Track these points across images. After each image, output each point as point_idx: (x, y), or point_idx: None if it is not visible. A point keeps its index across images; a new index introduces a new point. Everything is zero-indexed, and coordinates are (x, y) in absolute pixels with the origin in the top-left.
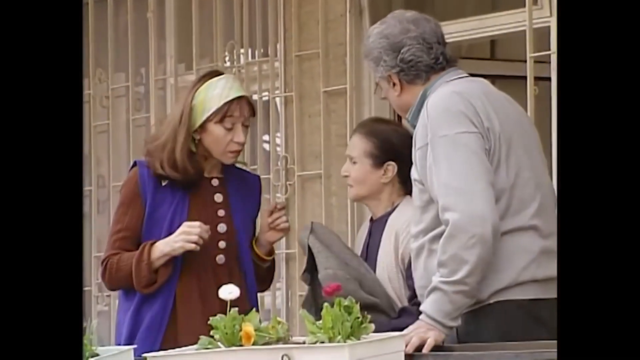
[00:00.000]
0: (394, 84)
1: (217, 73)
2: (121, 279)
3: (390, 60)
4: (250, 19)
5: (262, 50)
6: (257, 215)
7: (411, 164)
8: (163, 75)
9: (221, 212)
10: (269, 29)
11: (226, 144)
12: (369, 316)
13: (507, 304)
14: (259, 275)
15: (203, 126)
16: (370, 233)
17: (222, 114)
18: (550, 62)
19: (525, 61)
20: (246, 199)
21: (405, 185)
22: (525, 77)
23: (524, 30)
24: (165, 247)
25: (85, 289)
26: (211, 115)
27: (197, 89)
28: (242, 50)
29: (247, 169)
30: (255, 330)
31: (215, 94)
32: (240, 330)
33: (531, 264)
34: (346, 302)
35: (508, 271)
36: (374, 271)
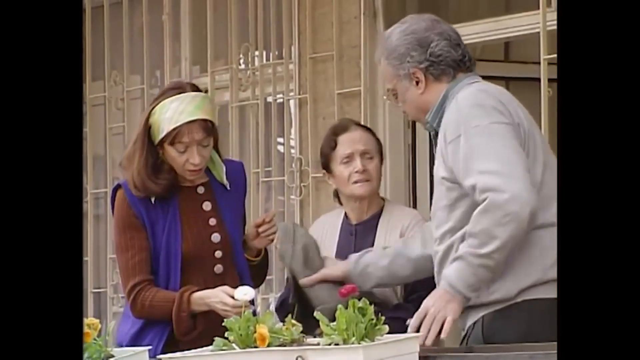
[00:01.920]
0: (418, 82)
1: (178, 89)
2: (153, 315)
3: (419, 55)
4: (265, 21)
5: (276, 53)
6: (244, 206)
7: None
8: (178, 78)
9: (212, 221)
10: (283, 31)
11: (182, 165)
12: (383, 317)
13: (533, 302)
14: (251, 274)
15: (161, 145)
16: (355, 234)
17: (172, 138)
18: None
19: (539, 63)
20: (233, 194)
21: None
22: (539, 79)
23: (538, 32)
24: (205, 301)
25: (101, 290)
26: (163, 137)
27: (154, 107)
28: (256, 53)
29: (230, 158)
30: (270, 331)
31: (166, 117)
32: (255, 331)
33: (556, 263)
34: (360, 304)
35: (535, 269)
36: None
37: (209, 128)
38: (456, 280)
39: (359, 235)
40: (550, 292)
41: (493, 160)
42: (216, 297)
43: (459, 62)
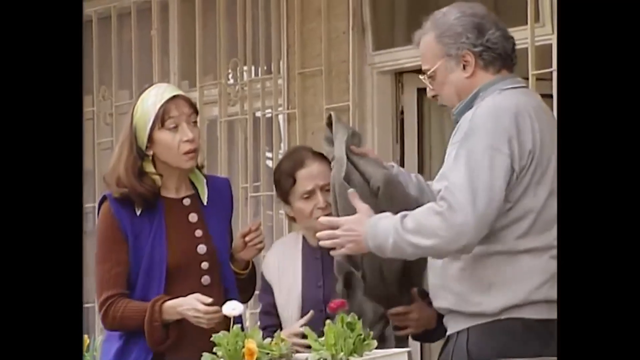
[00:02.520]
0: (465, 66)
1: (152, 85)
2: (125, 327)
3: (475, 38)
4: (254, 37)
5: (265, 68)
6: (231, 221)
7: None
8: None
9: (198, 232)
10: (272, 46)
11: (177, 147)
12: (371, 332)
13: (516, 321)
14: (238, 288)
15: (151, 139)
16: (322, 257)
17: (161, 117)
18: (552, 80)
19: (527, 78)
20: (219, 209)
21: None
22: None
23: (526, 48)
24: (176, 310)
25: (89, 305)
26: (152, 124)
27: (134, 107)
28: (245, 67)
29: (215, 174)
30: (258, 347)
31: (150, 103)
32: (243, 347)
33: (545, 284)
34: (349, 319)
35: (522, 289)
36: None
37: (193, 105)
38: (373, 234)
39: (325, 257)
40: (535, 313)
41: (466, 180)
42: (188, 304)
43: (508, 56)
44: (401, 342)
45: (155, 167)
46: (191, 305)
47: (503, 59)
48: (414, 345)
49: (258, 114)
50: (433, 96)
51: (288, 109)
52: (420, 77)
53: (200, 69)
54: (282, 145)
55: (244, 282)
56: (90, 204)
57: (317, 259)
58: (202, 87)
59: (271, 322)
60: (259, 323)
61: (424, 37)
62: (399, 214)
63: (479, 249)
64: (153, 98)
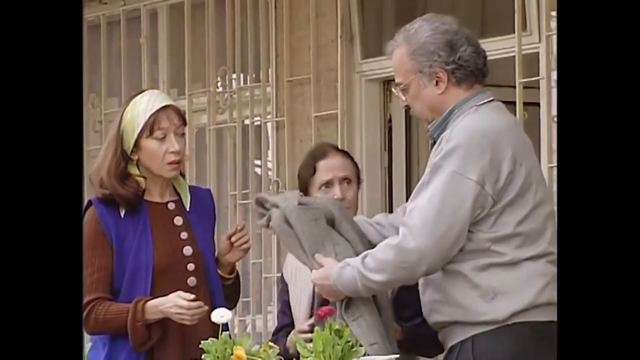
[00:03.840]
0: (438, 82)
1: (142, 91)
2: (108, 329)
3: (447, 56)
4: (242, 45)
5: (254, 76)
6: (215, 229)
7: None
8: None
9: (184, 235)
10: (260, 54)
11: (162, 156)
12: (359, 339)
13: (524, 325)
14: (224, 294)
15: (137, 144)
16: None
17: (150, 126)
18: (539, 88)
19: (515, 87)
20: (203, 216)
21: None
22: (514, 103)
23: (513, 56)
24: (159, 308)
25: None
26: (141, 131)
27: (124, 109)
28: (234, 76)
29: (197, 185)
30: (247, 354)
31: (140, 109)
32: (232, 354)
33: (547, 287)
34: (337, 326)
35: (527, 293)
36: None
37: (182, 116)
38: (345, 283)
39: None
40: (542, 316)
41: (430, 204)
42: (170, 302)
43: (479, 71)
44: None
45: (139, 170)
46: (173, 303)
47: (475, 75)
48: None
49: (247, 121)
50: (406, 106)
51: (277, 116)
52: (393, 89)
53: (189, 77)
54: (270, 153)
55: (229, 288)
56: None
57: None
58: (191, 95)
59: (286, 322)
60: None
61: (396, 50)
62: (360, 256)
63: (482, 261)
64: (144, 104)
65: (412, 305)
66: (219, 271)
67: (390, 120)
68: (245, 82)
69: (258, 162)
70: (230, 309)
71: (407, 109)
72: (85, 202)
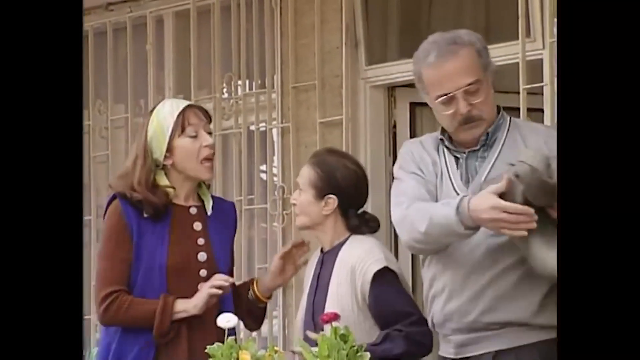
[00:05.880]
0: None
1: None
2: (129, 320)
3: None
4: (248, 51)
5: (259, 82)
6: (234, 242)
7: (354, 199)
8: None
9: (201, 241)
10: (266, 61)
11: (197, 153)
12: (364, 344)
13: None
14: (252, 314)
15: (170, 148)
16: (322, 263)
17: (181, 124)
18: (543, 94)
19: (519, 93)
20: (223, 227)
21: (348, 220)
22: (518, 109)
23: (517, 63)
24: (187, 306)
25: (85, 317)
26: (172, 132)
27: (148, 122)
28: (239, 82)
29: (222, 197)
30: (252, 358)
31: (166, 112)
32: (238, 358)
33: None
34: (342, 331)
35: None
36: (325, 302)
37: (208, 114)
38: None
39: (324, 263)
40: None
41: None
42: (202, 291)
43: None
44: None
45: (168, 178)
46: (207, 286)
47: None
48: None
49: (252, 127)
50: (467, 111)
51: (282, 122)
52: (455, 92)
53: (194, 83)
54: (275, 158)
55: (262, 310)
56: (87, 217)
57: (319, 263)
58: (197, 101)
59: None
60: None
61: (463, 49)
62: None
63: None
64: (168, 108)
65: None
66: (257, 291)
67: (394, 126)
68: (250, 88)
69: (263, 167)
70: (253, 330)
71: (460, 116)
72: (109, 196)
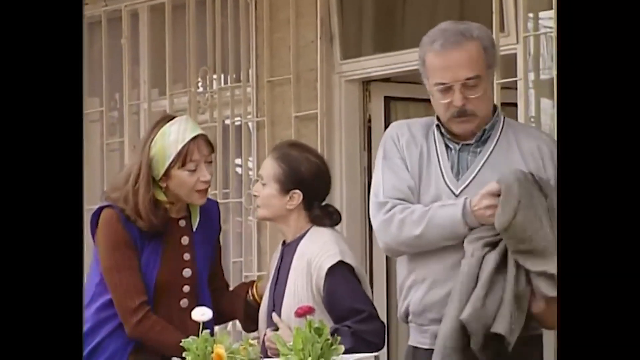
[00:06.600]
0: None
1: (169, 118)
2: (158, 344)
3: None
4: (223, 45)
5: (234, 76)
6: (217, 239)
7: (317, 192)
8: (137, 100)
9: (187, 256)
10: (241, 55)
11: (193, 185)
12: (339, 337)
13: None
14: (250, 316)
15: (167, 174)
16: (282, 256)
17: (182, 158)
18: (517, 89)
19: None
20: (208, 231)
21: (311, 213)
22: None
23: None
24: None
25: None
26: (172, 162)
27: (153, 138)
28: (214, 76)
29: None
30: (227, 351)
31: (171, 140)
32: (212, 351)
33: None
34: (317, 324)
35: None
36: (283, 295)
37: (212, 145)
38: None
39: (284, 256)
40: None
41: None
42: None
43: None
44: None
45: (166, 195)
46: None
47: None
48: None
49: (227, 121)
50: (462, 105)
51: (257, 116)
52: (454, 84)
53: (170, 77)
54: (251, 152)
55: (256, 312)
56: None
57: (280, 255)
58: (172, 95)
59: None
60: None
61: (469, 42)
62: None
63: None
64: (175, 135)
65: None
66: (256, 295)
67: (369, 120)
68: (225, 82)
69: (238, 161)
70: (252, 331)
71: (454, 108)
72: (100, 205)
